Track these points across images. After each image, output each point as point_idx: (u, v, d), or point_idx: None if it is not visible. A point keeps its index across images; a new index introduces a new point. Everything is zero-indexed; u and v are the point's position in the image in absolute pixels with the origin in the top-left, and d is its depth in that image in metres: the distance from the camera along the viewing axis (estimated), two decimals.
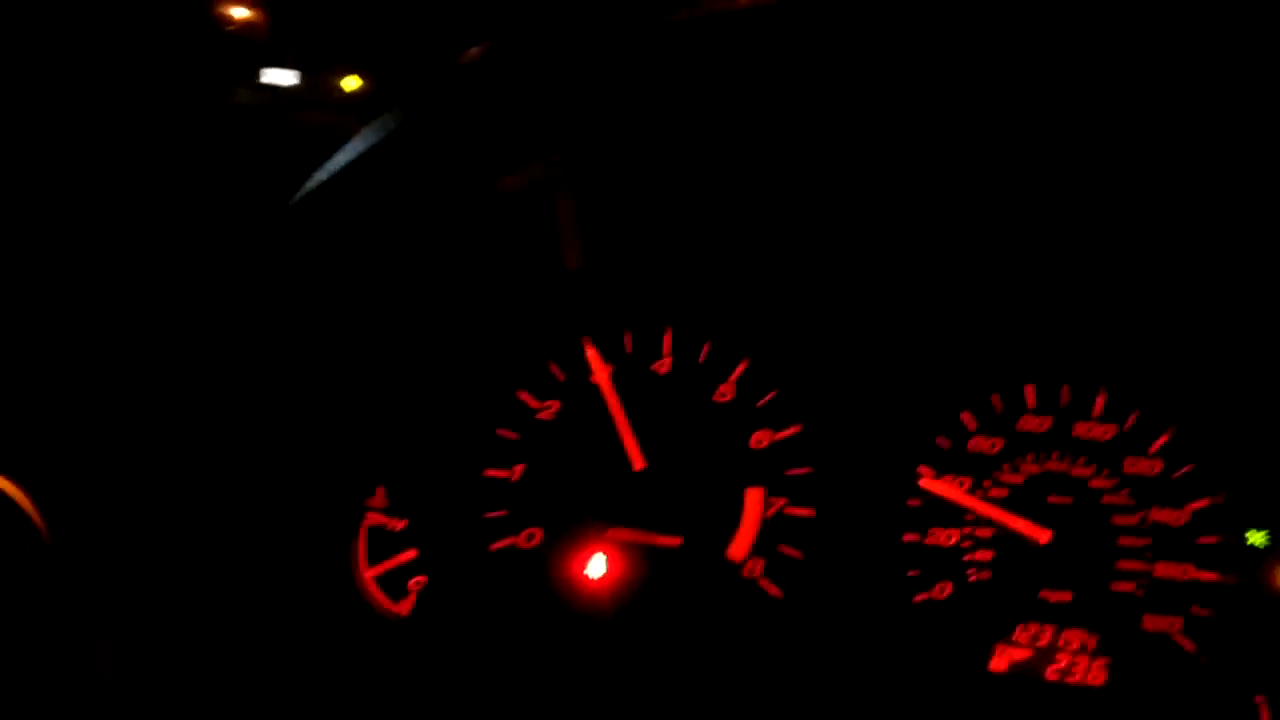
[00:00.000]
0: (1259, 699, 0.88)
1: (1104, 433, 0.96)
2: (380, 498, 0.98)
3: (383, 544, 0.97)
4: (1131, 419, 0.95)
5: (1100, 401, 0.96)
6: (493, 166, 0.90)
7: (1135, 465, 0.95)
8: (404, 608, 0.95)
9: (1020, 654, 0.92)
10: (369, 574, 0.96)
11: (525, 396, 1.02)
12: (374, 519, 0.98)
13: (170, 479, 0.92)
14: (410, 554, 0.96)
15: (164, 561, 0.91)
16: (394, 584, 0.96)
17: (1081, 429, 0.97)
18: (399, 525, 0.97)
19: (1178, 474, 0.93)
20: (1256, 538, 0.91)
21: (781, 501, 0.97)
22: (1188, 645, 0.90)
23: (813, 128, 0.91)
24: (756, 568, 0.96)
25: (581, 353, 1.01)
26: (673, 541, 0.97)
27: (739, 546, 0.96)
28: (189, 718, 0.86)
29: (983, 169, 0.94)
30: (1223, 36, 0.74)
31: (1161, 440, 0.94)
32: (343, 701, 0.89)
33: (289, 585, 0.93)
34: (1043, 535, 0.94)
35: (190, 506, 0.92)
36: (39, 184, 0.97)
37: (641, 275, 1.02)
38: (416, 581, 0.96)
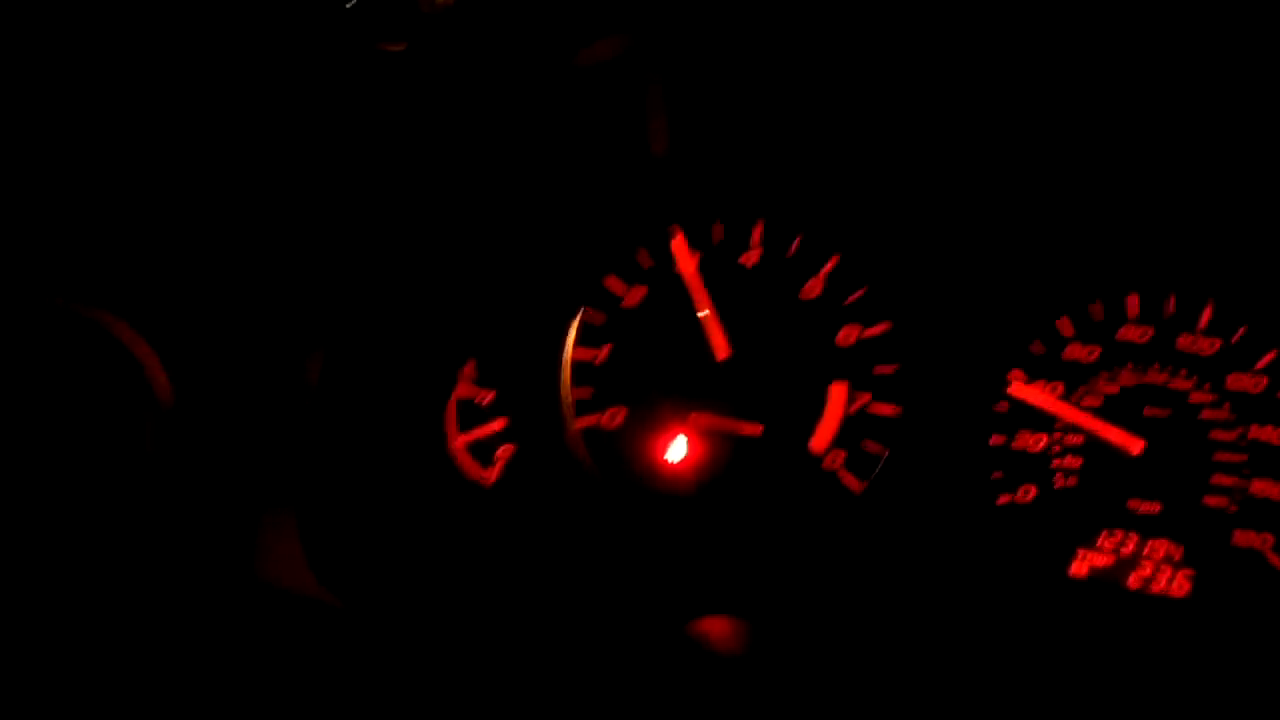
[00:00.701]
0: None
1: (1208, 345, 0.93)
2: (470, 369, 1.01)
3: (472, 414, 1.00)
4: (1239, 333, 0.92)
5: (1207, 314, 0.93)
6: (572, 40, 0.90)
7: (1239, 381, 0.92)
8: (490, 475, 0.98)
9: (1102, 560, 0.91)
10: (459, 441, 0.99)
11: (612, 281, 1.02)
12: (464, 390, 1.00)
13: (275, 351, 0.96)
14: (498, 424, 0.99)
15: (269, 425, 0.95)
16: (482, 453, 0.99)
17: (1185, 341, 0.93)
18: (488, 397, 1.00)
19: None
20: None
21: (866, 397, 0.97)
22: (1277, 562, 0.88)
23: (904, 32, 0.89)
24: (837, 460, 0.96)
25: (668, 241, 1.01)
26: (754, 430, 0.97)
27: (820, 438, 0.96)
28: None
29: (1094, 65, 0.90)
30: None
31: (1268, 357, 0.91)
32: (432, 562, 0.93)
33: (383, 451, 0.97)
34: (1135, 445, 0.92)
35: (293, 377, 0.96)
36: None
37: (733, 165, 1.01)
38: (503, 451, 0.99)
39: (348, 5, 0.92)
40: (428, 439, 0.98)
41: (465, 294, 1.01)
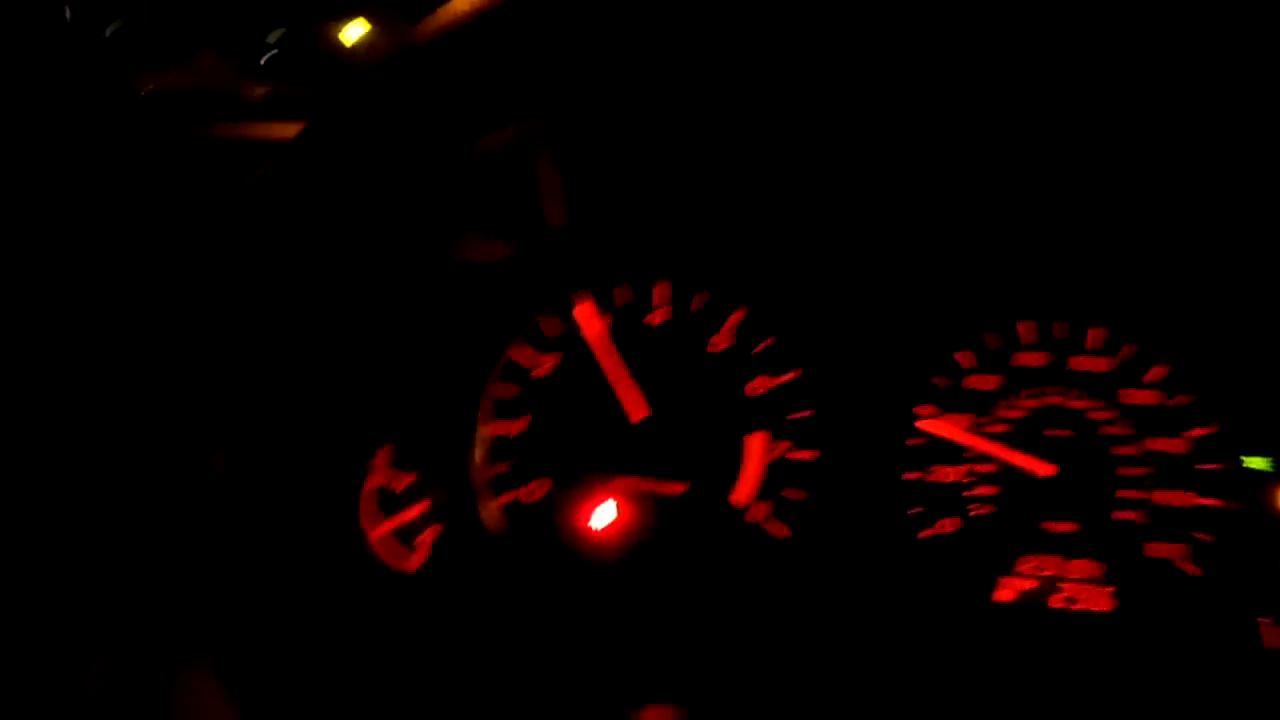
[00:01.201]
0: (1262, 620, 0.88)
1: (1101, 365, 0.97)
2: (384, 456, 0.98)
3: (389, 502, 0.97)
4: (1125, 351, 0.96)
5: (1095, 335, 0.97)
6: (470, 129, 0.90)
7: (1131, 396, 0.96)
8: (413, 563, 0.96)
9: (1026, 584, 0.93)
10: (375, 534, 0.97)
11: (522, 353, 1.02)
12: (380, 478, 0.98)
13: (175, 447, 0.92)
14: (417, 509, 0.97)
15: (174, 529, 0.91)
16: (404, 539, 0.97)
17: (1077, 362, 0.97)
18: (405, 482, 0.98)
19: (1174, 403, 0.94)
20: (1256, 461, 0.92)
21: (784, 445, 0.98)
22: (1191, 570, 0.91)
23: (797, 76, 0.91)
24: (761, 511, 0.97)
25: (572, 309, 1.01)
26: (677, 489, 0.97)
27: (742, 491, 0.97)
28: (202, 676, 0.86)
29: (969, 107, 0.94)
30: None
31: (1156, 372, 0.95)
32: (357, 656, 0.89)
33: (299, 548, 0.93)
34: (1045, 468, 0.95)
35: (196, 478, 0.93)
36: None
37: (630, 228, 1.02)
38: (426, 535, 0.96)
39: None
40: (344, 532, 0.95)
41: (372, 379, 0.99)
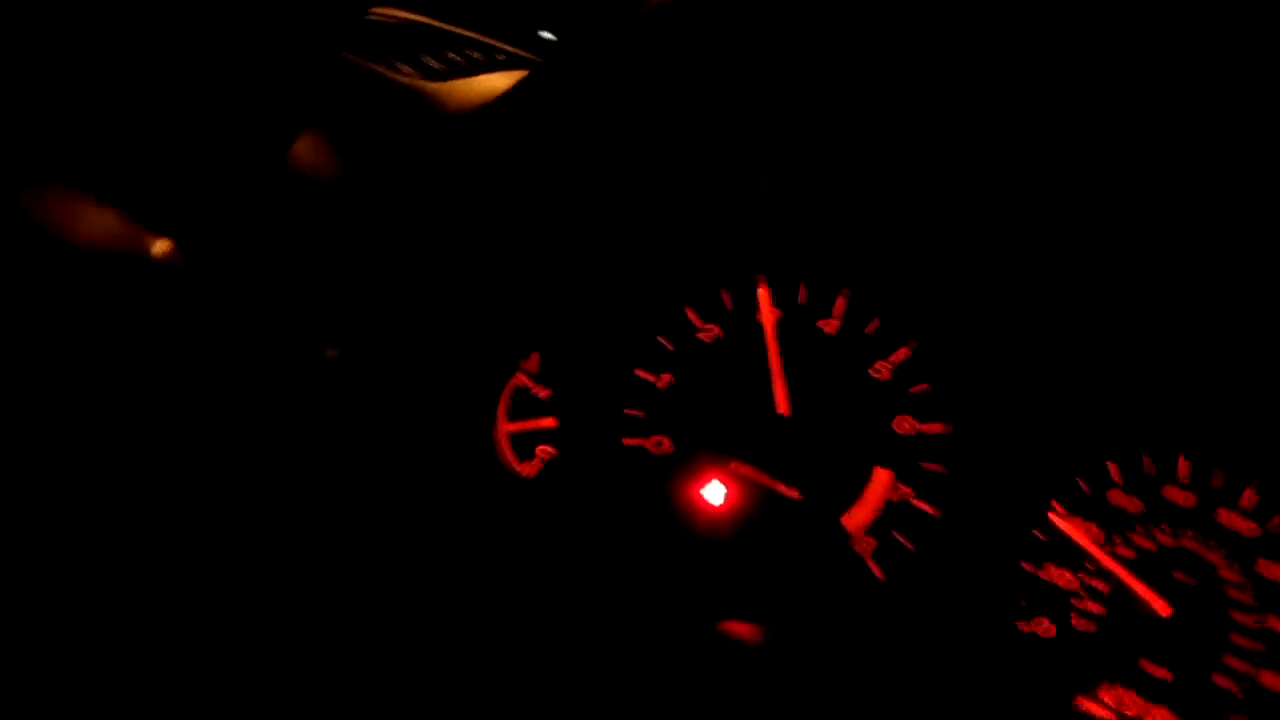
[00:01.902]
0: None
1: (1247, 527, 0.93)
2: (534, 362, 0.99)
3: (525, 406, 0.98)
4: (1277, 520, 0.93)
5: (1249, 495, 0.94)
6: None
7: (1269, 569, 0.92)
8: (529, 470, 0.96)
9: (1101, 712, 0.91)
10: (504, 429, 0.97)
11: (690, 313, 1.01)
12: (522, 380, 0.98)
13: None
14: (548, 422, 0.97)
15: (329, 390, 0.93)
16: (525, 446, 0.97)
17: (1225, 516, 0.94)
18: (544, 393, 0.98)
19: None
20: None
21: (908, 490, 0.96)
22: None
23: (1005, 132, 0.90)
24: (868, 545, 0.95)
25: (754, 289, 1.00)
26: (793, 493, 0.96)
27: (855, 517, 0.95)
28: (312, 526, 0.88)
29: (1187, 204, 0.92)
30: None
31: None
32: (454, 544, 0.90)
33: (434, 426, 0.94)
34: (1164, 607, 0.92)
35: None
36: None
37: (833, 233, 1.01)
38: (545, 449, 0.97)
39: None
40: (476, 421, 0.96)
41: (546, 290, 1.00)
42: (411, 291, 0.95)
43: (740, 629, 0.86)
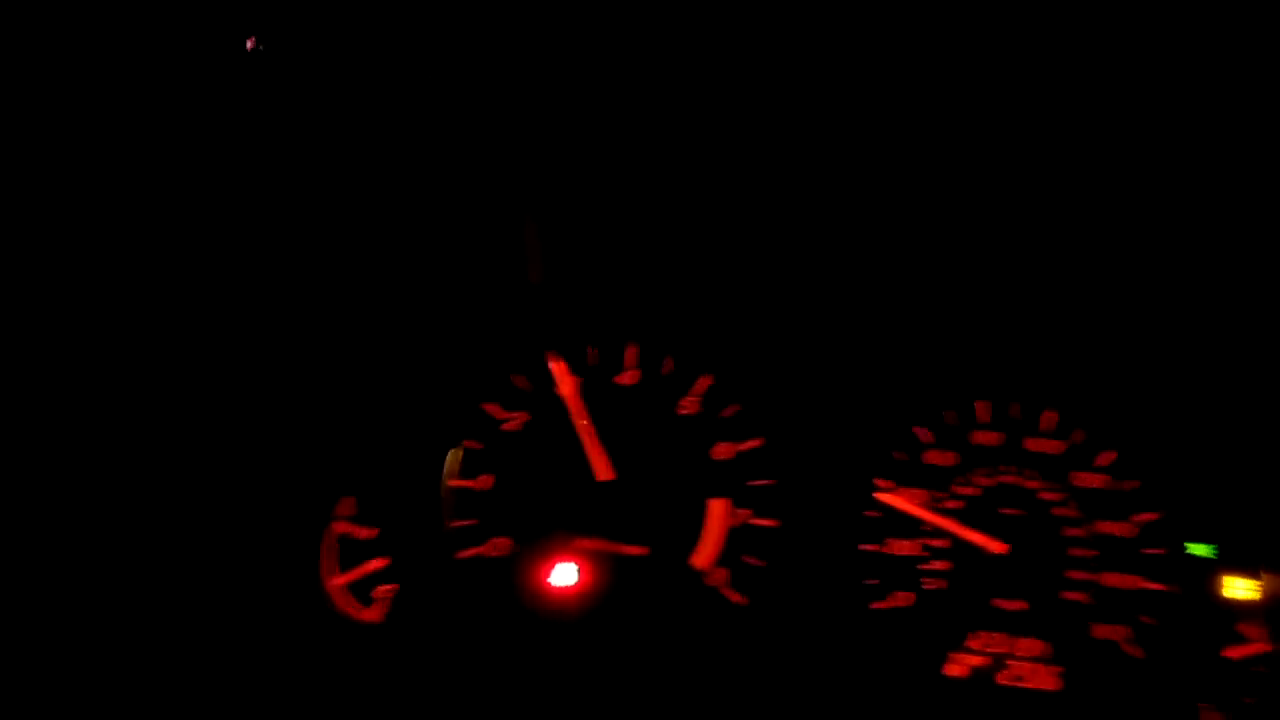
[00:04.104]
0: (1201, 705, 0.91)
1: (1053, 447, 1.00)
2: (348, 507, 0.98)
3: (352, 553, 0.97)
4: (1078, 435, 0.99)
5: (1048, 418, 1.00)
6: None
7: (1083, 479, 0.99)
8: (374, 614, 0.95)
9: (975, 660, 0.95)
10: (336, 582, 0.96)
11: (491, 408, 1.02)
12: (342, 528, 0.97)
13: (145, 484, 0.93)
14: (380, 562, 0.96)
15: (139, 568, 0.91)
16: (362, 592, 0.96)
17: (1032, 444, 1.00)
18: (367, 534, 0.97)
19: (1124, 488, 0.97)
20: (1200, 548, 0.95)
21: (746, 512, 0.99)
22: (1135, 652, 0.93)
23: (772, 140, 0.95)
24: (720, 576, 0.98)
25: (545, 366, 1.02)
26: (639, 551, 0.98)
27: (703, 555, 0.98)
28: None
29: (936, 185, 0.98)
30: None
31: (1107, 456, 0.98)
32: (316, 707, 0.89)
33: (259, 595, 0.93)
34: (998, 546, 0.97)
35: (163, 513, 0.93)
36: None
37: (605, 289, 1.04)
38: (385, 589, 0.96)
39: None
40: (303, 579, 0.95)
41: (340, 428, 0.99)
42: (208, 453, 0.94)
43: None
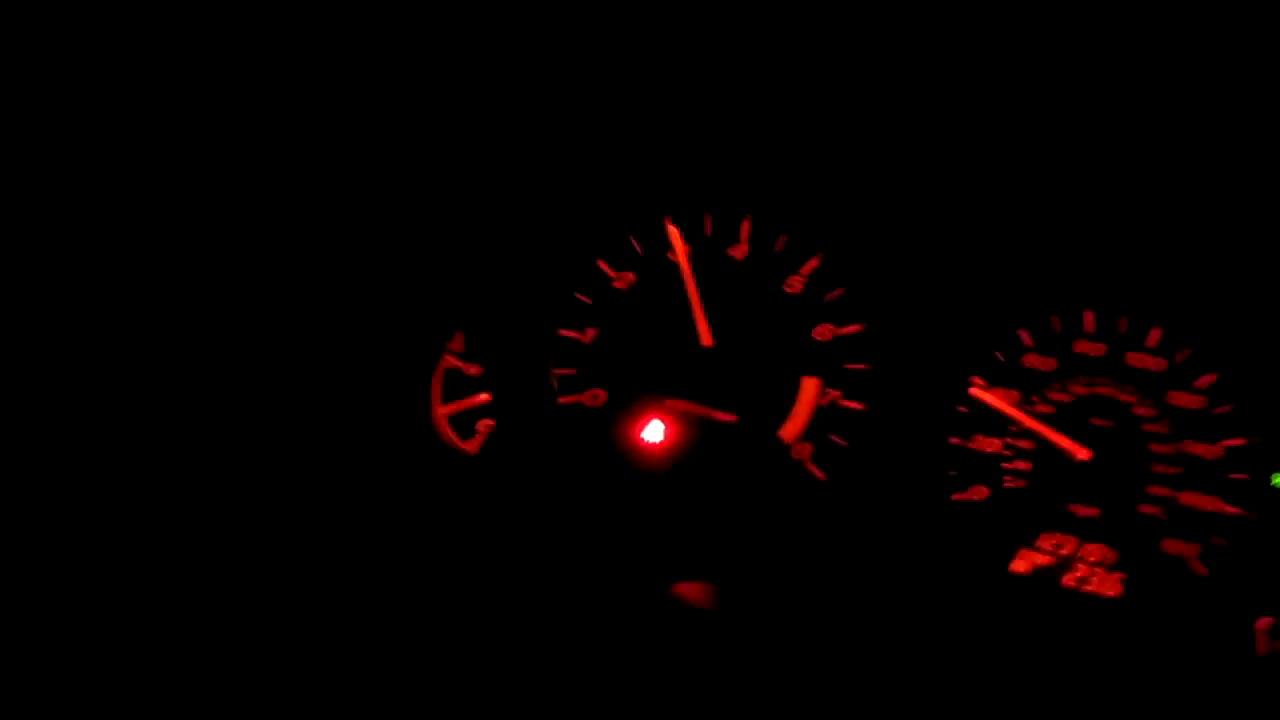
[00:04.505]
0: (1258, 626, 0.93)
1: (1155, 364, 0.99)
2: (458, 342, 1.03)
3: (458, 386, 1.03)
4: (1182, 355, 0.99)
5: (1155, 334, 0.99)
6: None
7: (1178, 399, 0.99)
8: (472, 446, 1.01)
9: (1042, 559, 0.98)
10: (442, 411, 1.02)
11: (603, 265, 1.05)
12: (451, 362, 1.03)
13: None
14: (483, 398, 1.02)
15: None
16: (465, 424, 1.02)
17: (1133, 358, 1.00)
18: (474, 370, 1.02)
19: (1217, 411, 0.97)
20: None
21: (836, 393, 1.02)
22: (1200, 570, 0.95)
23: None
24: (804, 451, 1.01)
25: (662, 229, 1.04)
26: (729, 418, 1.02)
27: (790, 428, 1.01)
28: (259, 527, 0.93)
29: (1069, 89, 0.95)
30: None
31: (1207, 379, 0.98)
32: (408, 528, 0.96)
33: (371, 418, 0.99)
34: (1082, 452, 0.98)
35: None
36: None
37: (726, 162, 1.04)
38: (485, 424, 1.02)
39: None
40: (413, 409, 1.01)
41: (457, 267, 1.03)
42: (331, 288, 0.99)
43: (692, 591, 0.92)
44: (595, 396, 1.04)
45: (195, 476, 0.96)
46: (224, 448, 0.97)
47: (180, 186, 0.99)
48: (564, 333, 1.05)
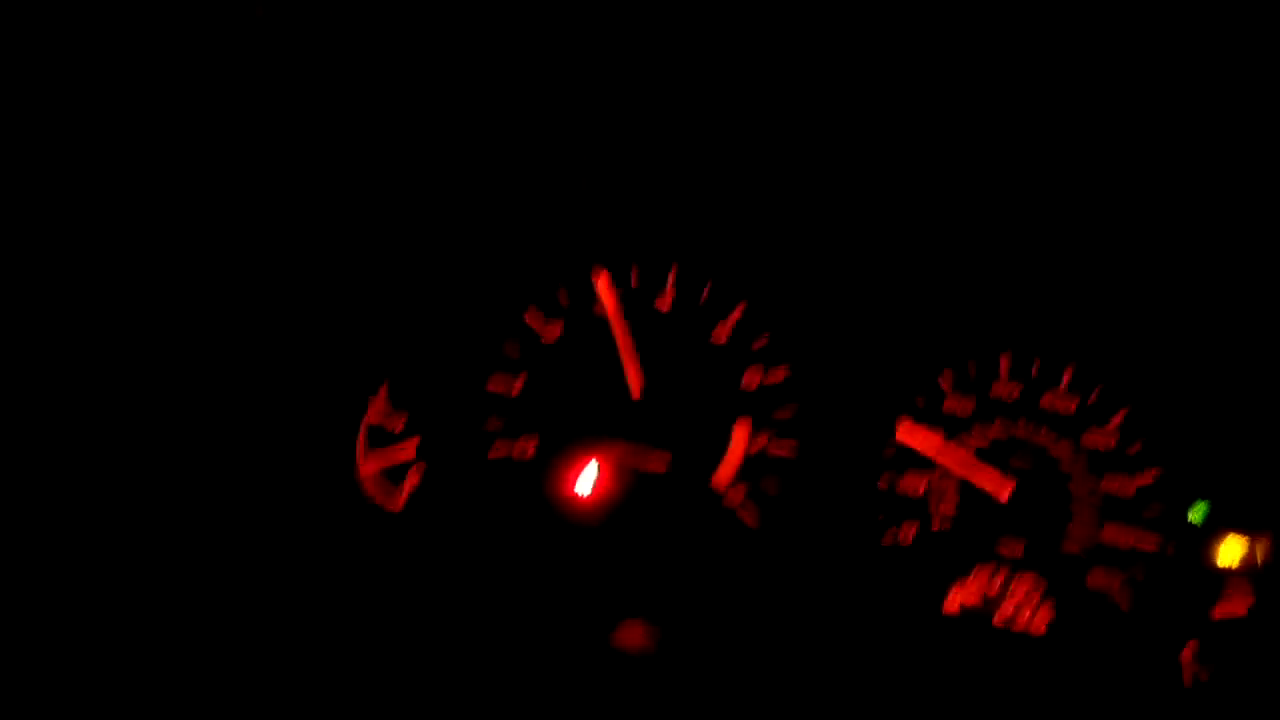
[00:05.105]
0: (1183, 660, 0.95)
1: (1067, 405, 1.03)
2: (383, 395, 1.01)
3: (382, 440, 1.00)
4: (1094, 394, 1.02)
5: (1067, 375, 1.03)
6: None
7: (1093, 439, 1.02)
8: (397, 503, 0.99)
9: (971, 598, 0.99)
10: (366, 468, 1.00)
11: (532, 316, 1.05)
12: (375, 416, 1.00)
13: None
14: (408, 453, 1.00)
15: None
16: (390, 480, 1.00)
17: (1048, 400, 1.03)
18: (398, 424, 1.00)
19: (1131, 449, 1.01)
20: (1196, 515, 0.99)
21: (765, 438, 1.02)
22: (1124, 603, 0.97)
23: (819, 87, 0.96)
24: (736, 497, 1.01)
25: (589, 281, 1.04)
26: (659, 467, 1.01)
27: (722, 475, 1.01)
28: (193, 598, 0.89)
29: (984, 136, 1.00)
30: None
31: (1118, 418, 1.01)
32: (336, 590, 0.93)
33: (293, 477, 0.96)
34: (1004, 491, 1.00)
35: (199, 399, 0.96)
36: None
37: (651, 212, 1.06)
38: (411, 480, 0.99)
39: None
40: (337, 463, 0.98)
41: (382, 317, 1.02)
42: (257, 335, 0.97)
43: (632, 637, 0.91)
44: (523, 450, 1.02)
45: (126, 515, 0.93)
46: (154, 491, 0.93)
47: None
48: (492, 387, 1.04)
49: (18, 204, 0.96)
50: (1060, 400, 1.03)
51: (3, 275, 0.96)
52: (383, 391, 1.01)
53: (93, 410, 0.95)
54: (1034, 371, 1.03)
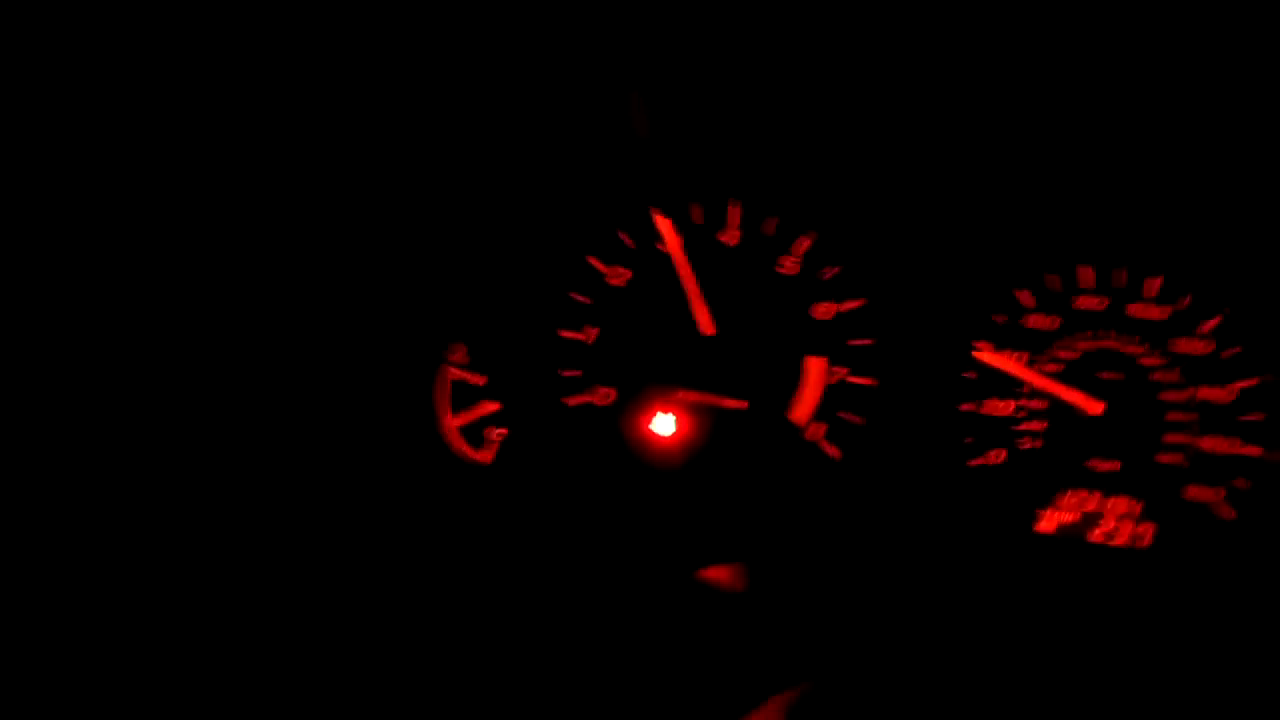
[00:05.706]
0: None
1: (1157, 313, 0.99)
2: (460, 354, 1.02)
3: (465, 396, 1.02)
4: (1184, 301, 0.99)
5: (1154, 284, 0.99)
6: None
7: (1184, 345, 0.98)
8: (485, 456, 1.00)
9: (1066, 517, 0.97)
10: (452, 424, 1.01)
11: (595, 262, 1.05)
12: (455, 374, 1.02)
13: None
14: (491, 406, 1.01)
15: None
16: (475, 435, 1.01)
17: (1135, 309, 1.00)
18: (479, 381, 1.02)
19: (1225, 354, 0.97)
20: None
21: (843, 370, 1.01)
22: (1228, 514, 0.94)
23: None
24: (818, 431, 1.01)
25: (650, 222, 1.03)
26: (738, 404, 1.01)
27: (800, 410, 1.00)
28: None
29: (1047, 48, 0.95)
30: None
31: (1212, 323, 0.97)
32: (427, 542, 0.95)
33: (380, 435, 0.98)
34: (1095, 406, 0.98)
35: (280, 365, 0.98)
36: None
37: (710, 148, 1.04)
38: (497, 432, 1.01)
39: None
40: (419, 421, 1.00)
41: (451, 278, 1.02)
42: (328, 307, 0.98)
43: (720, 575, 0.91)
44: (605, 395, 1.03)
45: (196, 496, 0.95)
46: (232, 469, 0.96)
47: (175, 193, 0.98)
48: (565, 334, 1.04)
49: (23, 204, 0.97)
50: (1149, 309, 0.99)
51: (22, 272, 0.97)
52: (460, 349, 1.02)
53: (174, 379, 0.97)
54: (1118, 281, 1.00)
